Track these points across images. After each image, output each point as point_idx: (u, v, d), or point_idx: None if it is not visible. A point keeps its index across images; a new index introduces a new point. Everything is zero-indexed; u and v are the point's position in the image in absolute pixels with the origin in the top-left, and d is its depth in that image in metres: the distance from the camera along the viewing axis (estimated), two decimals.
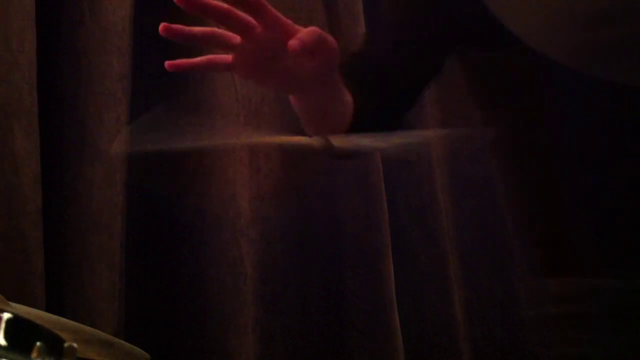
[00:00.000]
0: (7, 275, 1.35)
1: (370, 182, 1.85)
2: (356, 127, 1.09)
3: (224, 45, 0.99)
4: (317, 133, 1.10)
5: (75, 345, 0.70)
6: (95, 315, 1.44)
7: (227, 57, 1.00)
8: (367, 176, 1.85)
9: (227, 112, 1.69)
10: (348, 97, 1.08)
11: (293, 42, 0.92)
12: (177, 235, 1.63)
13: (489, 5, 0.62)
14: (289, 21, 0.97)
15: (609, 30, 0.59)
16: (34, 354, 0.66)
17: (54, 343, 0.68)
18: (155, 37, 1.75)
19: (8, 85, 1.41)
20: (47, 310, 1.35)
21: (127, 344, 1.04)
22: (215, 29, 0.97)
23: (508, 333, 2.04)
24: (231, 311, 1.59)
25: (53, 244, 1.44)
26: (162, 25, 0.95)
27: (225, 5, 0.94)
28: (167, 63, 0.99)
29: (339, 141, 0.90)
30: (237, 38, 0.98)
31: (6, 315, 0.68)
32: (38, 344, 0.66)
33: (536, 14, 0.61)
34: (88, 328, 1.07)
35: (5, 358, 0.65)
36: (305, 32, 0.96)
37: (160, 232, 1.64)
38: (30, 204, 1.40)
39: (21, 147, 1.40)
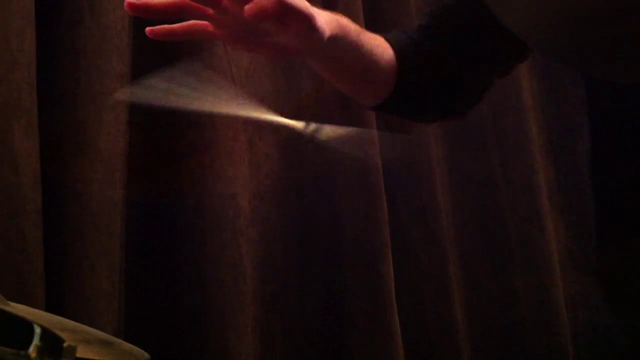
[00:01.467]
0: (7, 275, 1.35)
1: (370, 182, 1.84)
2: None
3: (197, 18, 0.96)
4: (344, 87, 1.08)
5: (74, 345, 0.70)
6: (95, 315, 1.44)
7: (205, 24, 0.97)
8: (367, 176, 1.84)
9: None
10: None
11: (249, 7, 0.87)
12: (177, 235, 1.63)
13: (489, 6, 0.62)
14: None
15: (609, 30, 0.59)
16: (33, 354, 0.66)
17: (53, 343, 0.68)
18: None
19: (8, 85, 1.41)
20: (47, 310, 1.35)
21: (127, 344, 1.04)
22: (184, 1, 0.94)
23: (508, 333, 2.04)
24: (231, 311, 1.59)
25: (53, 244, 1.44)
26: (126, 3, 0.92)
27: None
28: (147, 29, 0.96)
29: (326, 133, 0.89)
30: (208, 10, 0.94)
31: (6, 315, 0.68)
32: (37, 343, 0.66)
33: (536, 14, 0.61)
34: (88, 328, 1.07)
35: (5, 358, 0.65)
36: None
37: (160, 232, 1.64)
38: (30, 204, 1.40)
39: (21, 146, 1.40)
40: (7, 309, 0.79)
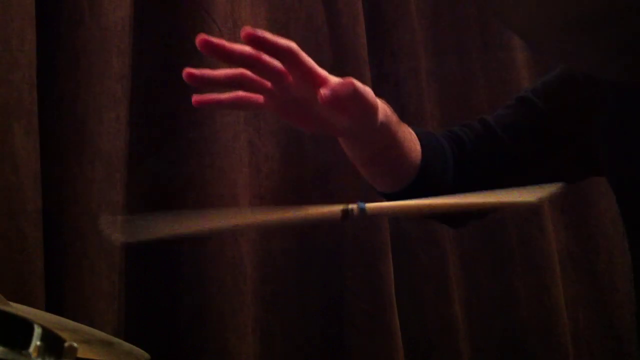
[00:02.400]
0: (7, 275, 1.35)
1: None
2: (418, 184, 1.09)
3: (252, 90, 0.94)
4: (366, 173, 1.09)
5: (75, 345, 0.70)
6: (95, 315, 1.44)
7: (257, 97, 0.95)
8: None
9: (227, 112, 1.68)
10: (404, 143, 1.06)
11: (324, 92, 0.87)
12: (177, 235, 1.63)
13: (488, 6, 0.62)
14: (324, 71, 0.92)
15: (609, 30, 0.59)
16: (34, 354, 0.66)
17: (53, 343, 0.68)
18: (155, 37, 1.76)
19: (8, 85, 1.41)
20: (47, 310, 1.35)
21: (127, 344, 1.04)
22: (244, 72, 0.91)
23: (508, 333, 2.04)
24: (231, 311, 1.59)
25: (53, 244, 1.44)
26: (185, 72, 0.90)
27: (253, 53, 0.87)
28: (193, 99, 0.94)
29: (372, 208, 0.83)
30: (267, 83, 0.92)
31: (6, 315, 0.68)
32: (38, 343, 0.66)
33: (536, 14, 0.61)
34: (88, 328, 1.07)
35: (6, 358, 0.65)
36: (339, 83, 0.91)
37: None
38: (30, 204, 1.40)
39: (21, 146, 1.40)
40: (7, 309, 0.79)
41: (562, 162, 1.17)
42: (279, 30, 1.87)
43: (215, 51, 0.86)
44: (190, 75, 0.89)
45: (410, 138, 1.08)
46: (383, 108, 0.99)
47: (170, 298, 1.60)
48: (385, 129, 0.99)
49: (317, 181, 1.83)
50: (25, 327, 0.67)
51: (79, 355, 0.72)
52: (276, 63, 0.89)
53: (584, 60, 0.65)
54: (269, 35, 0.87)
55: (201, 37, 0.86)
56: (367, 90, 0.92)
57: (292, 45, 0.88)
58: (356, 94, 0.91)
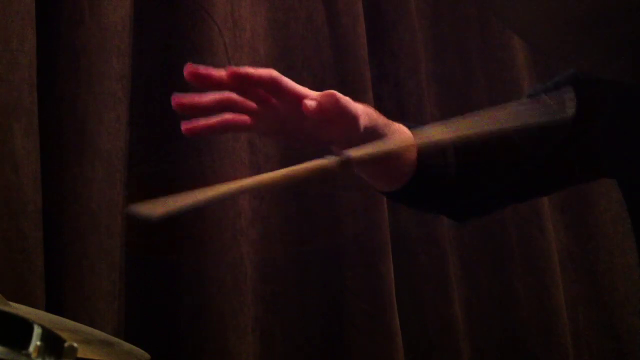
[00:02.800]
0: (7, 275, 1.35)
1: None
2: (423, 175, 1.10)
3: (240, 111, 0.97)
4: (373, 179, 1.10)
5: (75, 345, 0.70)
6: (95, 315, 1.44)
7: (245, 119, 0.97)
8: None
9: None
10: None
11: (309, 103, 0.91)
12: (177, 235, 1.63)
13: (488, 6, 0.62)
14: (304, 89, 0.95)
15: (609, 30, 0.59)
16: (34, 354, 0.66)
17: (54, 343, 0.68)
18: (155, 37, 1.76)
19: (8, 85, 1.41)
20: (47, 310, 1.35)
21: (127, 344, 1.04)
22: (230, 96, 0.95)
23: (508, 333, 2.04)
24: (231, 311, 1.59)
25: (53, 244, 1.44)
26: (174, 101, 0.93)
27: (238, 79, 0.92)
28: (183, 127, 0.96)
29: (357, 153, 0.87)
30: (253, 105, 0.96)
31: (6, 315, 0.68)
32: (38, 343, 0.66)
33: (537, 14, 0.61)
34: (88, 328, 1.07)
35: (6, 358, 0.65)
36: (321, 95, 0.94)
37: (160, 232, 1.63)
38: (30, 204, 1.40)
39: (21, 146, 1.40)
40: (7, 309, 0.79)
41: (566, 161, 1.17)
42: (279, 30, 1.87)
43: (203, 81, 0.90)
44: (179, 104, 0.93)
45: (402, 138, 1.08)
46: (366, 113, 1.00)
47: (170, 298, 1.60)
48: (371, 133, 1.00)
49: (317, 181, 1.83)
50: (25, 327, 0.67)
51: (79, 355, 0.72)
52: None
53: (584, 60, 0.65)
54: (251, 70, 0.91)
55: (189, 68, 0.90)
56: (348, 100, 0.95)
57: (273, 73, 0.92)
58: (338, 103, 0.93)
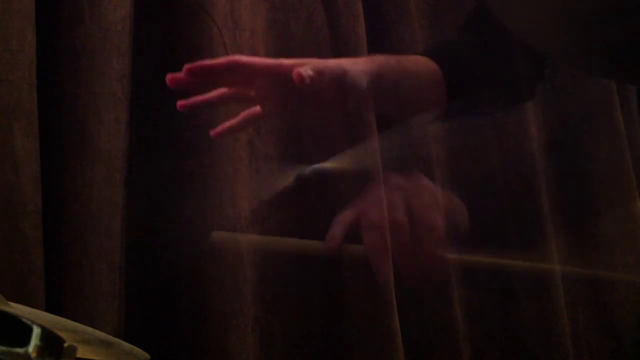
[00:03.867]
0: (7, 275, 1.35)
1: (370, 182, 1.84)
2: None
3: (241, 100, 0.98)
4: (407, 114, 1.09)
5: (75, 345, 0.70)
6: (95, 315, 1.44)
7: (246, 91, 0.98)
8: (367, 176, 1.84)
9: (227, 111, 1.68)
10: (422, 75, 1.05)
11: (298, 72, 0.91)
12: (177, 235, 1.63)
13: (489, 6, 0.62)
14: (276, 60, 0.94)
15: (609, 30, 0.59)
16: (33, 354, 0.65)
17: (53, 343, 0.68)
18: (155, 37, 1.76)
19: (8, 85, 1.41)
20: (47, 310, 1.35)
21: (127, 344, 1.04)
22: (226, 90, 0.96)
23: (508, 333, 2.04)
24: (231, 311, 1.59)
25: (53, 244, 1.44)
26: (178, 104, 0.95)
27: (196, 73, 0.93)
28: (178, 104, 0.98)
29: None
30: (249, 91, 0.97)
31: (6, 315, 0.68)
32: (37, 343, 0.66)
33: (537, 14, 0.61)
34: (88, 328, 1.07)
35: (5, 358, 0.65)
36: (307, 63, 0.95)
37: (160, 232, 1.63)
38: (30, 204, 1.40)
39: (21, 146, 1.40)
40: (7, 309, 0.79)
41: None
42: (279, 30, 1.87)
43: (179, 84, 0.91)
44: (183, 106, 0.95)
45: (418, 64, 1.08)
46: (369, 61, 1.00)
47: (170, 298, 1.60)
48: (383, 78, 1.00)
49: (317, 181, 1.83)
50: (24, 327, 0.67)
51: (79, 355, 0.72)
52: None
53: (584, 60, 0.65)
54: (206, 61, 0.94)
55: (169, 76, 0.91)
56: (329, 64, 0.93)
57: (232, 57, 0.92)
58: (318, 70, 0.93)
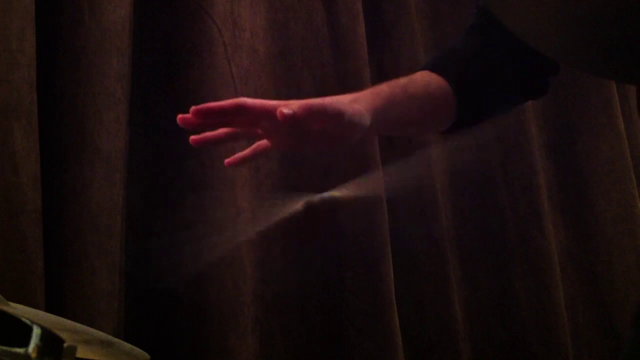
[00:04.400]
0: (7, 275, 1.35)
1: (370, 181, 1.84)
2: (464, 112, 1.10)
3: (249, 137, 1.03)
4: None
5: (75, 345, 0.70)
6: (95, 315, 1.44)
7: (252, 129, 1.01)
8: (367, 176, 1.84)
9: None
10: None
11: (284, 110, 0.93)
12: (177, 235, 1.63)
13: (488, 6, 0.62)
14: (278, 102, 0.97)
15: (610, 31, 0.59)
16: (33, 354, 0.66)
17: (53, 343, 0.68)
18: (155, 37, 1.76)
19: (8, 85, 1.41)
20: (47, 310, 1.35)
21: (127, 344, 1.04)
22: (235, 131, 1.00)
23: (508, 333, 2.04)
24: (231, 311, 1.59)
25: (53, 244, 1.44)
26: (191, 139, 0.99)
27: (203, 114, 0.96)
28: (190, 139, 1.02)
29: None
30: (256, 130, 1.01)
31: (6, 315, 0.68)
32: (37, 344, 0.66)
33: (537, 14, 0.61)
34: (88, 328, 1.07)
35: (5, 357, 0.65)
36: (292, 103, 0.97)
37: (160, 232, 1.63)
38: (30, 204, 1.40)
39: (21, 146, 1.40)
40: (7, 309, 0.79)
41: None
42: (279, 30, 1.87)
43: (190, 124, 0.94)
44: (196, 141, 0.98)
45: (426, 83, 1.09)
46: (372, 94, 1.01)
47: (170, 298, 1.60)
48: (391, 109, 1.01)
49: (317, 181, 1.83)
50: (24, 328, 0.67)
51: (79, 355, 0.72)
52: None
53: (584, 60, 0.65)
54: (212, 104, 0.95)
55: (180, 117, 0.94)
56: (323, 103, 0.95)
57: (238, 99, 0.96)
58: (306, 108, 0.95)
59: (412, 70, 1.98)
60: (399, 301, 1.83)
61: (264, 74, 1.82)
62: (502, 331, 2.04)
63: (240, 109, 0.95)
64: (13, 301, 0.93)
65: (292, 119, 0.92)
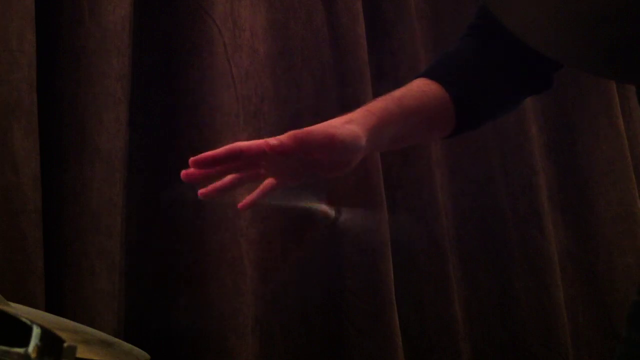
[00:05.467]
0: (7, 275, 1.35)
1: (370, 182, 1.85)
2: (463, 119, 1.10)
3: (255, 179, 1.05)
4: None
5: (75, 345, 0.70)
6: (95, 315, 1.44)
7: (255, 172, 1.03)
8: (367, 176, 1.85)
9: (227, 112, 1.69)
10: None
11: (271, 142, 0.95)
12: (177, 235, 1.63)
13: (488, 6, 0.62)
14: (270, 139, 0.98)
15: (610, 31, 0.59)
16: (33, 354, 0.65)
17: (53, 343, 0.68)
18: (155, 37, 1.76)
19: (8, 85, 1.41)
20: (47, 310, 1.35)
21: (127, 344, 1.04)
22: (236, 176, 1.03)
23: (508, 333, 2.04)
24: (231, 311, 1.59)
25: (52, 244, 1.44)
26: (200, 193, 1.01)
27: (202, 164, 0.99)
28: (200, 194, 1.04)
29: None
30: (257, 171, 1.03)
31: (6, 315, 0.67)
32: (37, 343, 0.66)
33: (537, 14, 0.61)
34: (88, 328, 1.07)
35: (5, 357, 0.65)
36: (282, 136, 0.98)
37: (160, 232, 1.64)
38: (30, 204, 1.40)
39: (21, 146, 1.40)
40: (7, 309, 0.79)
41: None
42: (279, 30, 1.87)
43: (194, 179, 0.96)
44: (205, 195, 1.00)
45: (422, 93, 1.09)
46: (365, 114, 1.02)
47: (170, 298, 1.60)
48: (387, 127, 1.02)
49: (317, 181, 1.83)
50: (24, 327, 0.67)
51: (79, 355, 0.72)
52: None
53: (584, 60, 0.65)
54: (207, 153, 0.97)
55: (183, 173, 0.99)
56: (311, 131, 0.96)
57: (231, 146, 0.97)
58: (295, 138, 0.96)
59: (412, 70, 1.99)
60: (399, 301, 1.83)
61: (264, 74, 1.82)
62: (502, 331, 2.04)
63: (235, 153, 0.97)
64: (13, 301, 0.93)
65: (280, 148, 0.93)
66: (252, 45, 1.81)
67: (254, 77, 1.79)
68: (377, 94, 2.01)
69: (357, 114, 1.02)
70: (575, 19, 0.59)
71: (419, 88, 1.10)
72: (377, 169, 1.87)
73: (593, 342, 2.15)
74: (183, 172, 0.98)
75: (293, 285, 1.77)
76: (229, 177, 1.03)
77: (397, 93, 1.08)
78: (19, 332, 0.67)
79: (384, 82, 2.01)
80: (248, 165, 1.01)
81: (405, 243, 1.95)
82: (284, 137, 0.95)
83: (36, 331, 0.67)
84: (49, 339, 0.68)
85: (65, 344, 0.69)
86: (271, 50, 1.85)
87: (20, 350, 0.66)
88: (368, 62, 1.92)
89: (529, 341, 2.02)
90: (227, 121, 1.68)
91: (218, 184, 1.04)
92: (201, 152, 1.68)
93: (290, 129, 0.98)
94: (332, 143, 0.97)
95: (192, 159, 0.96)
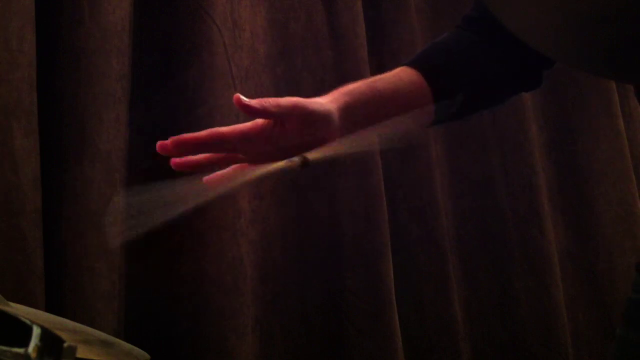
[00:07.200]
0: (7, 275, 1.35)
1: (370, 182, 1.85)
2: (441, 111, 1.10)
3: (231, 162, 1.04)
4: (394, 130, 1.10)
5: (75, 345, 0.70)
6: (95, 315, 1.44)
7: (234, 156, 1.03)
8: (367, 176, 1.85)
9: (227, 112, 1.68)
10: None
11: (237, 97, 0.94)
12: (177, 235, 1.63)
13: (488, 5, 0.62)
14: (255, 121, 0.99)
15: (610, 31, 0.59)
16: (33, 354, 0.65)
17: (53, 343, 0.68)
18: (155, 37, 1.76)
19: (8, 85, 1.41)
20: (47, 310, 1.35)
21: (127, 344, 1.04)
22: (214, 155, 1.03)
23: (508, 333, 2.04)
24: (231, 311, 1.59)
25: (52, 244, 1.44)
26: (173, 162, 1.01)
27: (180, 146, 1.01)
28: (172, 162, 1.04)
29: (315, 155, 0.93)
30: (235, 155, 1.02)
31: (6, 315, 0.67)
32: (37, 343, 0.66)
33: (537, 14, 0.61)
34: (88, 328, 1.07)
35: (5, 357, 0.65)
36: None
37: (160, 232, 1.63)
38: (30, 204, 1.40)
39: (20, 146, 1.40)
40: (7, 309, 0.79)
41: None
42: (279, 31, 1.87)
43: (169, 151, 0.96)
44: (178, 165, 1.00)
45: (397, 79, 1.09)
46: (337, 94, 1.02)
47: (170, 298, 1.60)
48: (359, 105, 1.02)
49: (317, 181, 1.83)
50: (24, 327, 0.67)
51: (79, 355, 0.72)
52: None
53: (584, 60, 0.65)
54: (189, 136, 1.00)
55: (159, 143, 0.96)
56: (282, 100, 0.96)
57: (212, 130, 0.98)
58: (274, 104, 0.96)
59: None
60: (399, 301, 1.83)
61: (264, 74, 1.82)
62: (502, 331, 2.04)
63: (216, 138, 0.97)
64: (13, 301, 0.93)
65: (259, 108, 0.94)
66: (252, 45, 1.81)
67: (254, 77, 1.79)
68: None
69: (330, 94, 1.03)
70: (575, 19, 0.59)
71: (396, 74, 1.11)
72: (377, 169, 1.87)
73: (593, 342, 2.16)
74: (159, 142, 1.00)
75: (293, 285, 1.77)
76: (205, 155, 1.04)
77: (372, 78, 1.09)
78: (19, 332, 0.67)
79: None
80: (227, 149, 1.01)
81: (405, 243, 1.95)
82: (254, 102, 0.95)
83: (36, 331, 0.67)
84: (49, 339, 0.68)
85: (65, 344, 0.69)
86: (271, 50, 1.85)
87: (20, 350, 0.66)
88: (368, 62, 1.92)
89: (529, 341, 2.02)
90: (227, 121, 1.68)
91: (193, 158, 1.04)
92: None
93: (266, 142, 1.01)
94: (308, 113, 0.98)
95: (172, 138, 0.97)
